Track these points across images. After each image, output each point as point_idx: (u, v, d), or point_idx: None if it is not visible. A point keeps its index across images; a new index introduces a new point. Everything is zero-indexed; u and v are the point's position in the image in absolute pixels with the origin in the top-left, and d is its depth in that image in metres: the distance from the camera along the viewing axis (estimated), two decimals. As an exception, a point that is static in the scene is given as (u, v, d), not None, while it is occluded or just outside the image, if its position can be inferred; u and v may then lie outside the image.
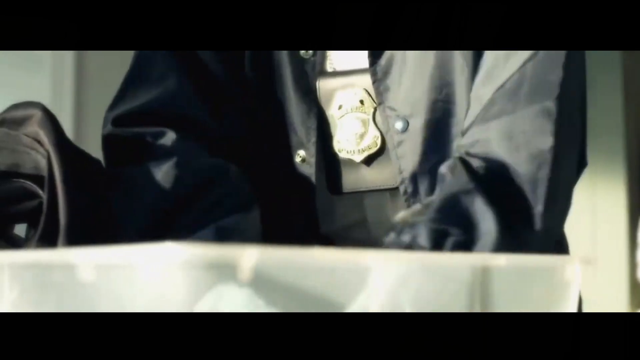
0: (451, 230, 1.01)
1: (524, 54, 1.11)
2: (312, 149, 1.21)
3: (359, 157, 1.21)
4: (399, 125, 1.18)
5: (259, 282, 0.65)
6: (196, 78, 1.21)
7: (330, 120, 1.21)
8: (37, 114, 1.10)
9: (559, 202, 1.10)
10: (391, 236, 1.05)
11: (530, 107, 1.09)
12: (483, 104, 1.12)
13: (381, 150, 1.20)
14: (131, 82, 1.21)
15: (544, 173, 1.06)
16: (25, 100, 1.14)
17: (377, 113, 1.19)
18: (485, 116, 1.11)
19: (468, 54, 1.16)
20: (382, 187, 1.21)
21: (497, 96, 1.11)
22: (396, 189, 1.20)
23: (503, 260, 0.81)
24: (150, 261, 0.66)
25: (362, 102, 1.20)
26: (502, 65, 1.12)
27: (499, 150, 1.08)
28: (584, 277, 0.88)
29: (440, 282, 0.80)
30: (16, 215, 1.10)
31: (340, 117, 1.21)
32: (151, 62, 1.21)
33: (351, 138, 1.20)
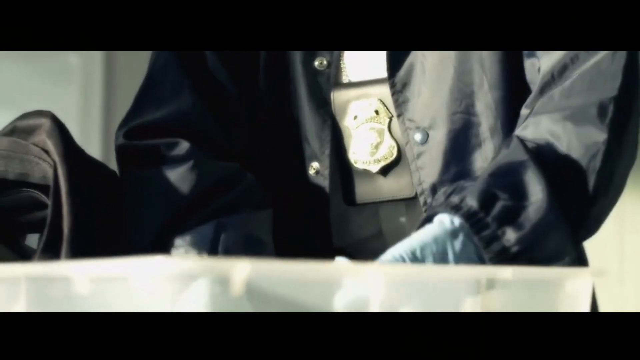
0: (500, 195, 1.00)
1: (580, 69, 1.11)
2: (326, 161, 1.20)
3: (375, 168, 1.20)
4: (418, 136, 1.17)
5: (252, 295, 0.64)
6: (209, 95, 1.20)
7: (345, 131, 1.21)
8: (46, 123, 1.10)
9: (606, 196, 1.09)
10: (440, 198, 1.05)
11: (586, 103, 1.08)
12: (535, 108, 1.12)
13: (397, 160, 1.19)
14: (143, 100, 1.21)
15: (596, 163, 1.06)
16: (36, 110, 1.14)
17: (393, 123, 1.19)
18: (539, 110, 1.11)
19: (487, 66, 1.15)
20: (398, 197, 1.20)
21: (555, 94, 1.11)
22: (412, 199, 1.19)
23: (509, 272, 0.80)
24: (142, 274, 0.65)
25: (377, 112, 1.20)
26: (557, 77, 1.12)
27: (552, 138, 1.08)
28: (610, 288, 0.87)
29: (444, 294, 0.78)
30: (25, 225, 1.09)
31: (356, 128, 1.20)
32: (163, 79, 1.21)
33: (367, 148, 1.19)
